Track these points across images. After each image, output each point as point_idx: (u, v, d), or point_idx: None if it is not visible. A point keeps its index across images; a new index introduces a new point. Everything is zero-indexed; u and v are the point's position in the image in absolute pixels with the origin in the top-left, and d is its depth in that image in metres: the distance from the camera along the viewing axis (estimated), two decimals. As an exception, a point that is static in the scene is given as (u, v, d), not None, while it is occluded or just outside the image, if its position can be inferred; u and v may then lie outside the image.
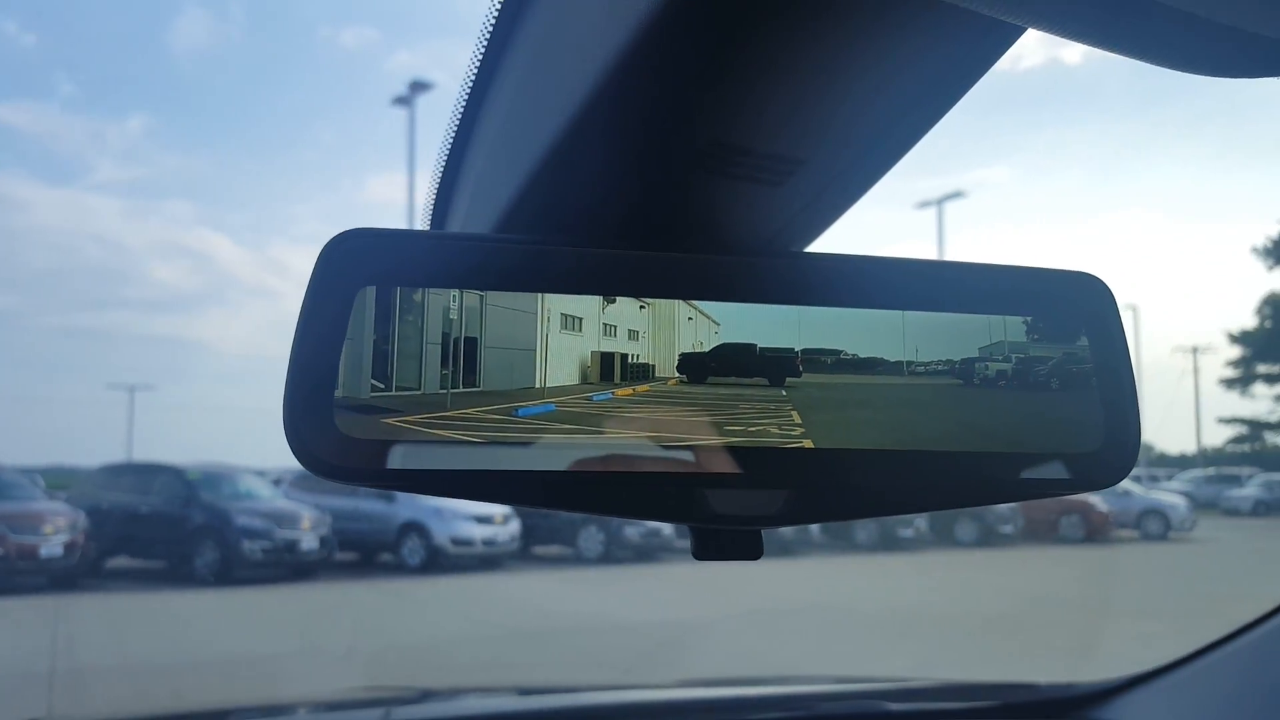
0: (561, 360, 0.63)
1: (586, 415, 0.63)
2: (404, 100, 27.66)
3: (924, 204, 33.56)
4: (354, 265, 0.61)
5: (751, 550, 0.68)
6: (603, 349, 0.64)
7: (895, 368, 0.67)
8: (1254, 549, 18.84)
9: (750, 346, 0.66)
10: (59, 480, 17.82)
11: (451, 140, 0.82)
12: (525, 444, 0.61)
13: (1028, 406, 0.69)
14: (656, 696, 1.85)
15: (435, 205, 0.90)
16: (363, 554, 15.26)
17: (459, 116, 0.80)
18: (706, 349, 0.66)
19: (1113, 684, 1.67)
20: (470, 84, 0.77)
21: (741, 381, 0.66)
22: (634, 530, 15.92)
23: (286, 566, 13.44)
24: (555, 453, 0.62)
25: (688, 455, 0.64)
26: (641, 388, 0.65)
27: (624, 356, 0.65)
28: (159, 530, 13.68)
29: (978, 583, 14.09)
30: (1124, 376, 0.71)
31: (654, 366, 0.65)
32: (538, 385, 0.63)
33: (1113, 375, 0.71)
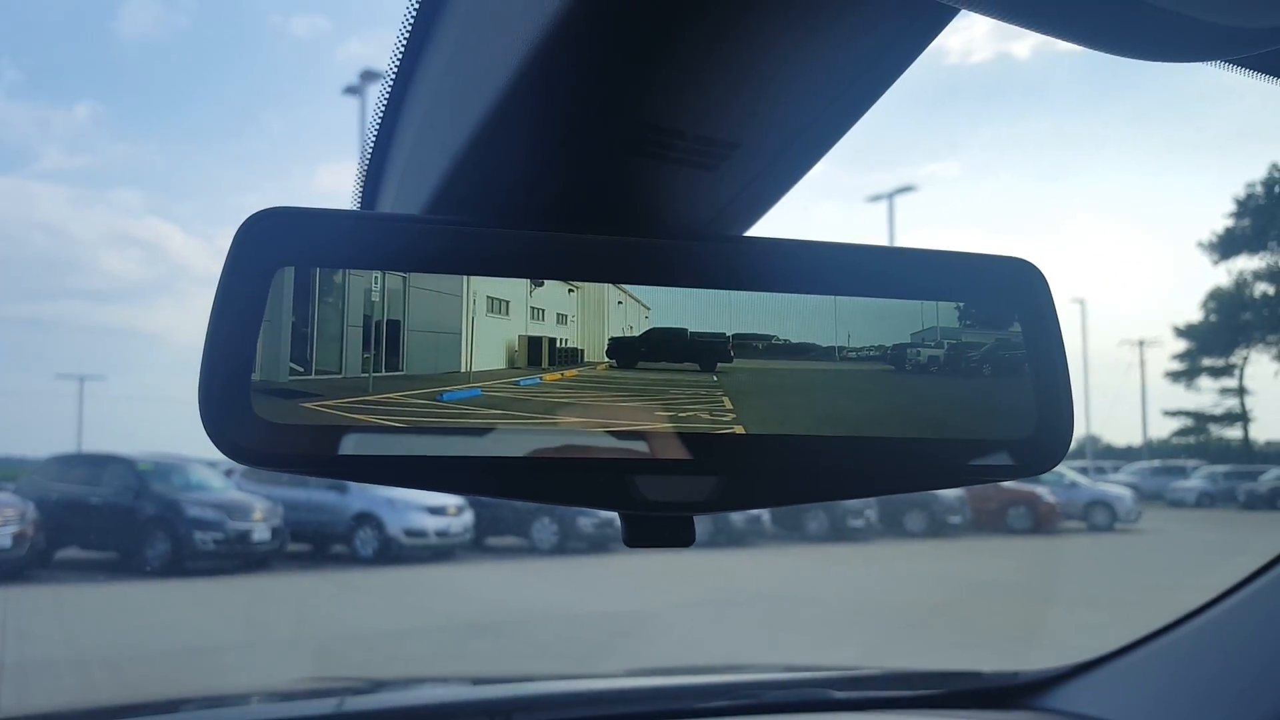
0: (488, 344, 0.62)
1: (513, 400, 0.62)
2: (355, 90, 27.30)
3: (875, 197, 33.77)
4: (271, 245, 0.59)
5: (682, 538, 0.67)
6: (530, 333, 0.63)
7: (827, 353, 0.67)
8: (1198, 540, 19.32)
9: (681, 331, 0.65)
10: (7, 471, 17.39)
11: (380, 120, 0.80)
12: (450, 429, 0.60)
13: (960, 393, 0.69)
14: (607, 685, 1.88)
15: (365, 186, 0.88)
16: (315, 545, 15.11)
17: (386, 95, 0.78)
18: (637, 334, 0.64)
19: (1056, 672, 1.70)
20: (398, 62, 0.75)
21: (672, 367, 0.65)
22: (587, 521, 15.93)
23: (238, 558, 13.29)
24: (481, 438, 0.60)
25: (617, 441, 0.63)
26: (570, 372, 0.63)
27: (552, 341, 0.63)
28: (109, 521, 13.46)
29: (925, 572, 14.30)
30: (1057, 363, 0.71)
31: (583, 351, 0.64)
32: (463, 369, 0.61)
33: (1046, 361, 0.70)
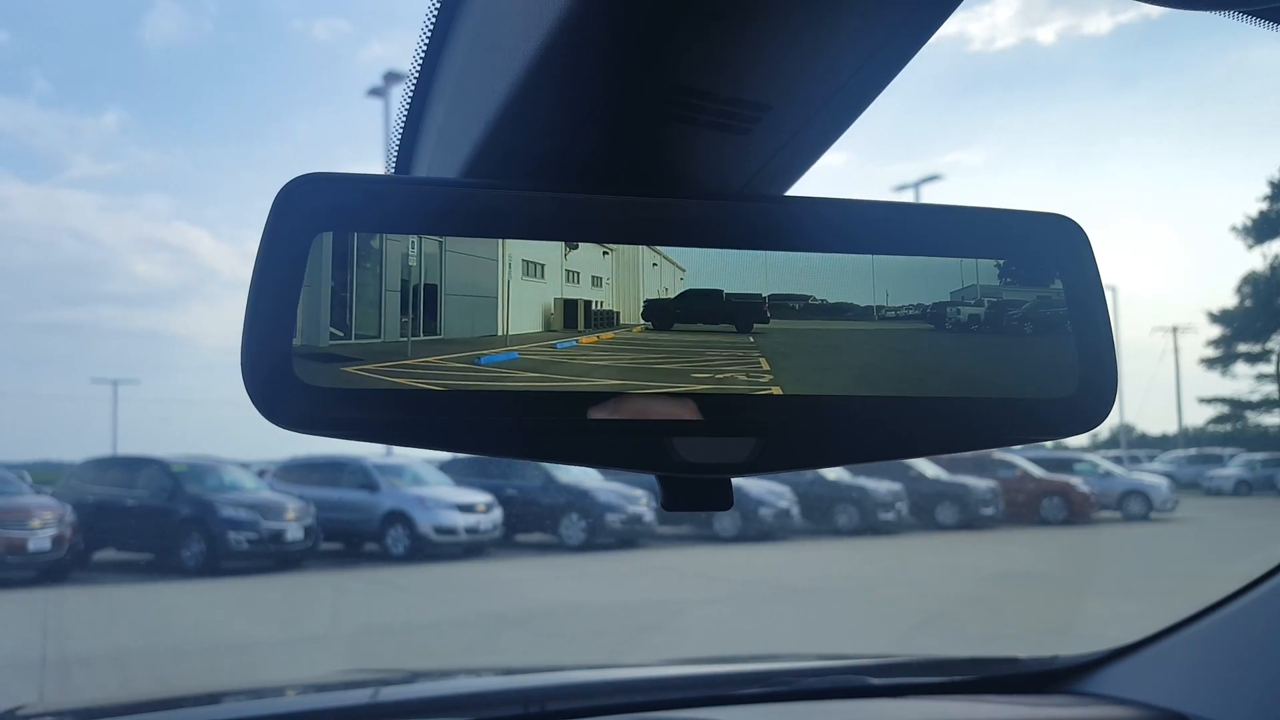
0: (524, 307, 0.62)
1: (550, 363, 0.62)
2: (379, 92, 27.45)
3: (901, 187, 33.59)
4: (309, 211, 0.59)
5: (721, 500, 0.67)
6: (566, 296, 0.63)
7: (865, 313, 0.66)
8: (1236, 528, 19.03)
9: (716, 292, 0.64)
10: (45, 475, 17.70)
11: (414, 85, 0.80)
12: (488, 392, 0.60)
13: (1001, 351, 0.68)
14: (639, 674, 1.88)
15: (399, 152, 0.87)
16: (347, 543, 15.26)
17: (420, 62, 0.78)
18: (672, 295, 0.64)
19: (1093, 657, 1.69)
20: (430, 28, 0.75)
21: (708, 328, 0.64)
22: (615, 517, 15.97)
23: (272, 557, 13.45)
24: (519, 401, 0.60)
25: (654, 403, 0.62)
26: (606, 335, 0.63)
27: (588, 303, 0.63)
28: (145, 523, 13.67)
29: (957, 565, 14.20)
30: (1099, 320, 0.69)
31: (618, 313, 0.63)
32: (500, 333, 0.61)
33: (1088, 319, 0.69)
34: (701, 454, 0.64)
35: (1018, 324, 0.68)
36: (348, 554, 15.01)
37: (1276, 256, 40.72)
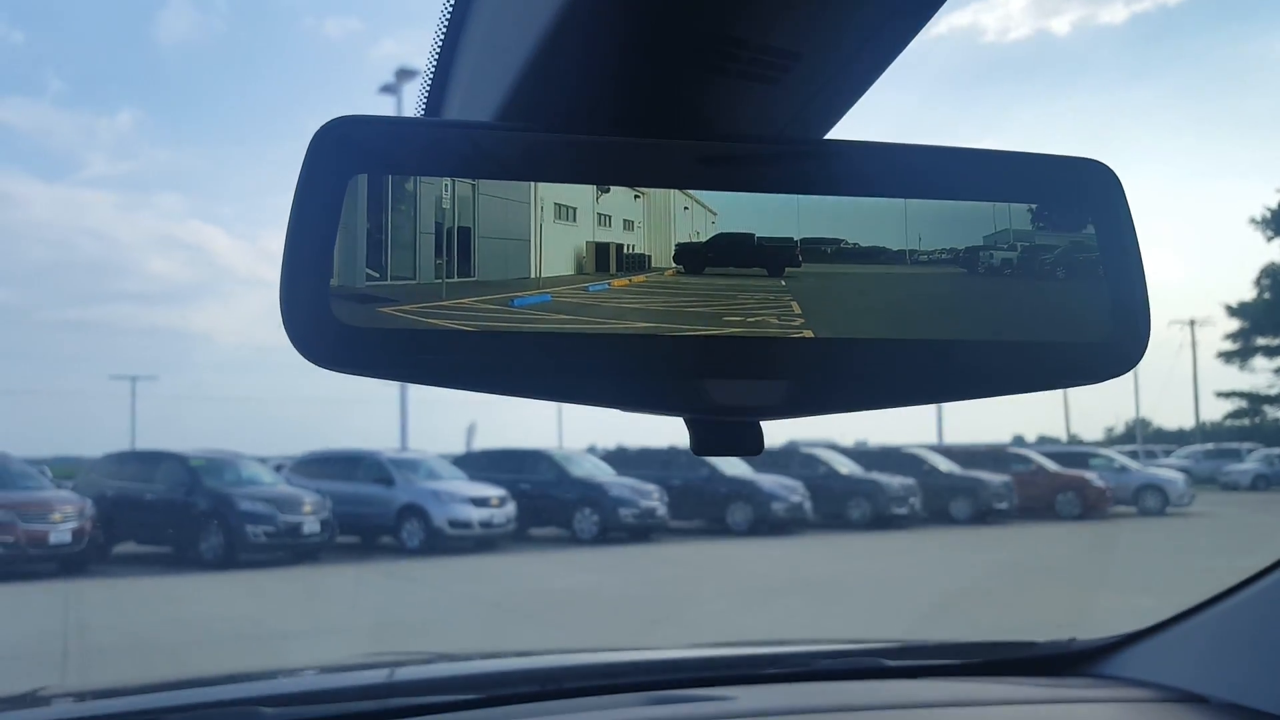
0: (556, 251, 0.62)
1: (583, 306, 0.62)
2: (391, 88, 27.42)
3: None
4: (345, 153, 0.59)
5: (753, 444, 0.66)
6: (598, 239, 0.63)
7: (898, 256, 0.66)
8: (1253, 523, 18.87)
9: (748, 236, 0.64)
10: (66, 469, 17.82)
11: (445, 30, 0.80)
12: (522, 334, 0.60)
13: (1034, 295, 0.67)
14: (656, 655, 1.88)
15: (429, 98, 0.86)
16: (363, 537, 15.34)
17: (450, 6, 0.78)
18: (703, 239, 0.64)
19: (1110, 640, 1.69)
20: None
21: (740, 271, 0.64)
22: (628, 511, 15.98)
23: (289, 550, 13.54)
24: (552, 343, 0.61)
25: (686, 347, 0.62)
26: (638, 278, 0.63)
27: (619, 247, 0.63)
28: (164, 516, 13.78)
29: (971, 560, 14.13)
30: (1132, 265, 0.69)
31: (650, 257, 0.63)
32: (533, 276, 0.61)
33: (1121, 264, 0.69)
34: (733, 397, 0.64)
35: (1050, 268, 0.68)
36: (364, 547, 15.09)
37: (1295, 249, 40.29)
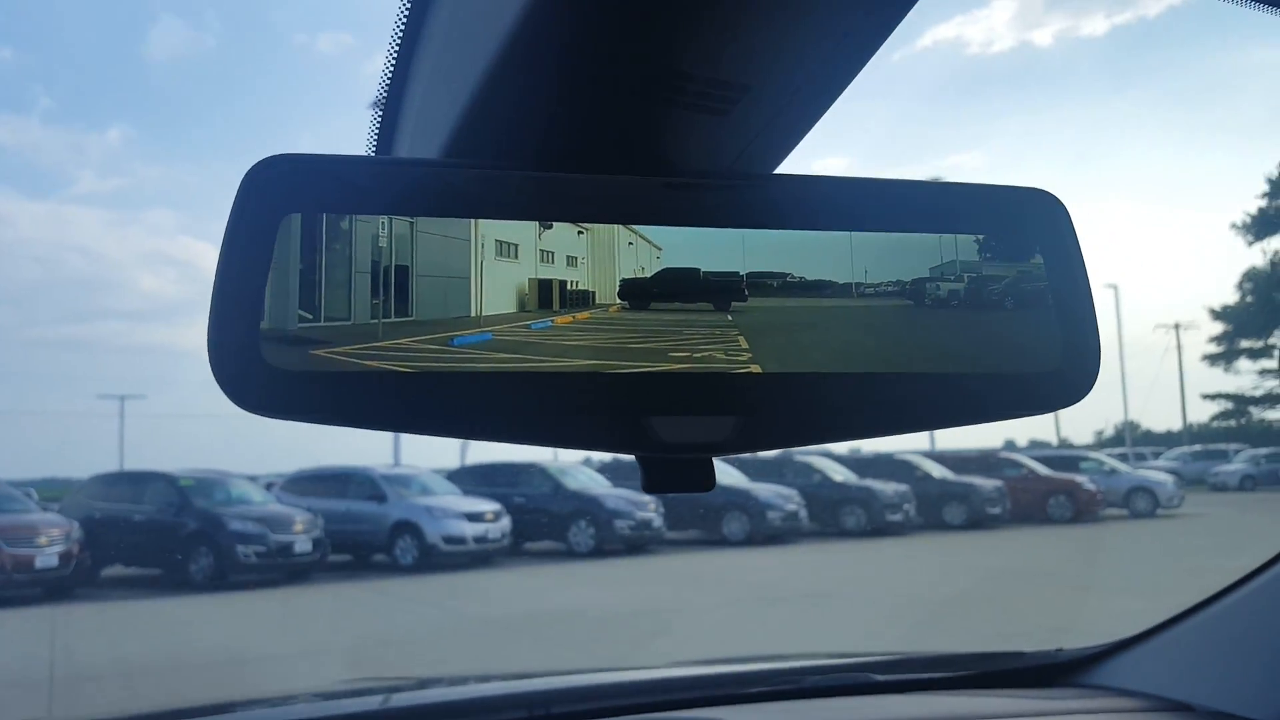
0: (498, 288, 0.61)
1: (526, 344, 0.61)
2: (381, 104, 27.44)
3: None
4: (277, 192, 0.58)
5: (702, 480, 0.66)
6: (541, 276, 0.62)
7: (844, 290, 0.65)
8: (1242, 523, 18.95)
9: (694, 271, 0.64)
10: (52, 492, 17.72)
11: (393, 65, 0.79)
12: (462, 374, 0.59)
13: (982, 327, 0.67)
14: (645, 676, 1.87)
15: (380, 134, 0.86)
16: (356, 555, 15.25)
17: (398, 43, 0.77)
18: (649, 274, 0.63)
19: (1099, 649, 1.69)
20: (407, 9, 0.74)
21: (686, 307, 0.63)
22: (624, 523, 15.95)
23: (281, 570, 13.44)
24: (494, 383, 0.60)
25: (632, 384, 0.61)
26: (582, 315, 0.62)
27: (563, 283, 0.62)
28: (153, 538, 13.67)
29: (964, 565, 14.16)
30: (1081, 294, 0.69)
31: (594, 293, 0.63)
32: (473, 314, 0.60)
33: (1070, 293, 0.68)
34: (681, 434, 0.63)
35: (998, 299, 0.68)
36: (356, 565, 15.00)
37: (1276, 252, 40.72)
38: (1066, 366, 0.68)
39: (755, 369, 0.64)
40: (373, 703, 1.74)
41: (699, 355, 0.63)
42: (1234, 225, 40.72)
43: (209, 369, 0.58)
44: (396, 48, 0.78)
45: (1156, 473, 24.19)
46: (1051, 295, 0.68)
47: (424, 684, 1.91)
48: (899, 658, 1.87)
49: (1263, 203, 40.17)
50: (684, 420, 0.63)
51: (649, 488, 0.66)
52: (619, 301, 0.63)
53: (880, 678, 1.72)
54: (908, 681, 1.74)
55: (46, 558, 12.07)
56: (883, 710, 1.62)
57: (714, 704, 1.64)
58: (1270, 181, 39.99)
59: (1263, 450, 32.10)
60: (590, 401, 0.61)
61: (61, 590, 12.20)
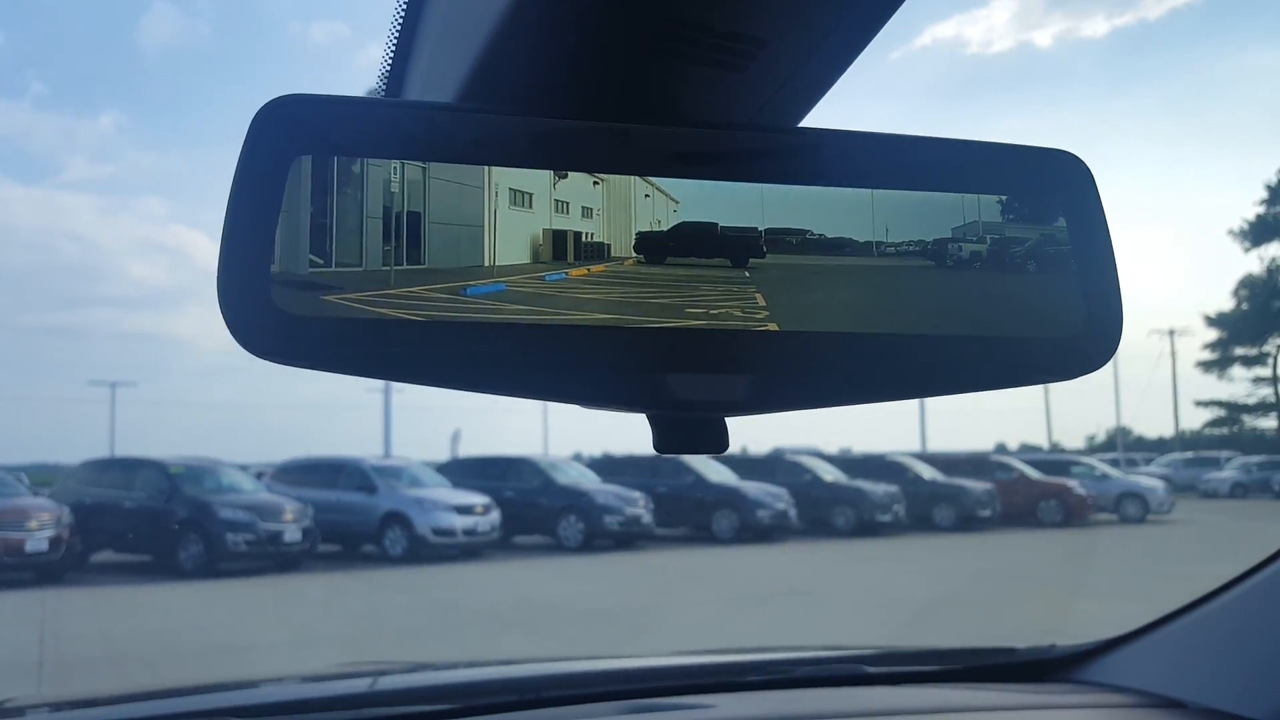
0: (511, 238, 0.59)
1: (539, 296, 0.59)
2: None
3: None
4: (288, 133, 0.57)
5: (716, 441, 0.64)
6: (555, 227, 0.60)
7: (864, 248, 0.64)
8: (1232, 530, 19.00)
9: (711, 225, 0.62)
10: (43, 477, 17.67)
11: (404, 8, 0.77)
12: (474, 325, 0.58)
13: (1004, 289, 0.66)
14: (636, 664, 1.87)
15: (389, 79, 0.84)
16: (345, 545, 15.24)
17: None
18: (665, 228, 0.62)
19: (1091, 645, 1.69)
20: None
21: (702, 262, 0.62)
22: (613, 519, 15.95)
23: (270, 558, 13.43)
24: (506, 334, 0.58)
25: (646, 340, 0.60)
26: (596, 268, 0.61)
27: (578, 235, 0.60)
28: (143, 524, 13.65)
29: (954, 567, 14.18)
30: (1105, 259, 0.67)
31: (609, 246, 0.61)
32: (486, 264, 0.59)
33: (1093, 257, 0.67)
34: (695, 392, 0.62)
35: (1020, 261, 0.66)
36: (345, 556, 14.99)
37: (1273, 260, 40.84)
38: (1087, 333, 0.67)
39: (772, 327, 0.62)
40: (360, 685, 1.74)
41: (715, 312, 0.62)
42: (1231, 231, 40.84)
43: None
44: None
45: (1147, 479, 24.26)
46: (1074, 259, 0.67)
47: (412, 669, 1.91)
48: (890, 651, 1.87)
49: (1261, 209, 40.28)
50: (699, 378, 0.62)
51: (661, 446, 0.64)
52: (634, 255, 0.61)
53: (871, 669, 1.72)
54: (899, 674, 1.74)
55: (37, 542, 12.05)
56: (873, 701, 1.62)
57: (705, 692, 1.64)
58: (1269, 188, 40.09)
59: (1254, 458, 32.22)
60: (603, 357, 0.60)
61: (51, 575, 12.18)
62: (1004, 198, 0.67)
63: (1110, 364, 0.68)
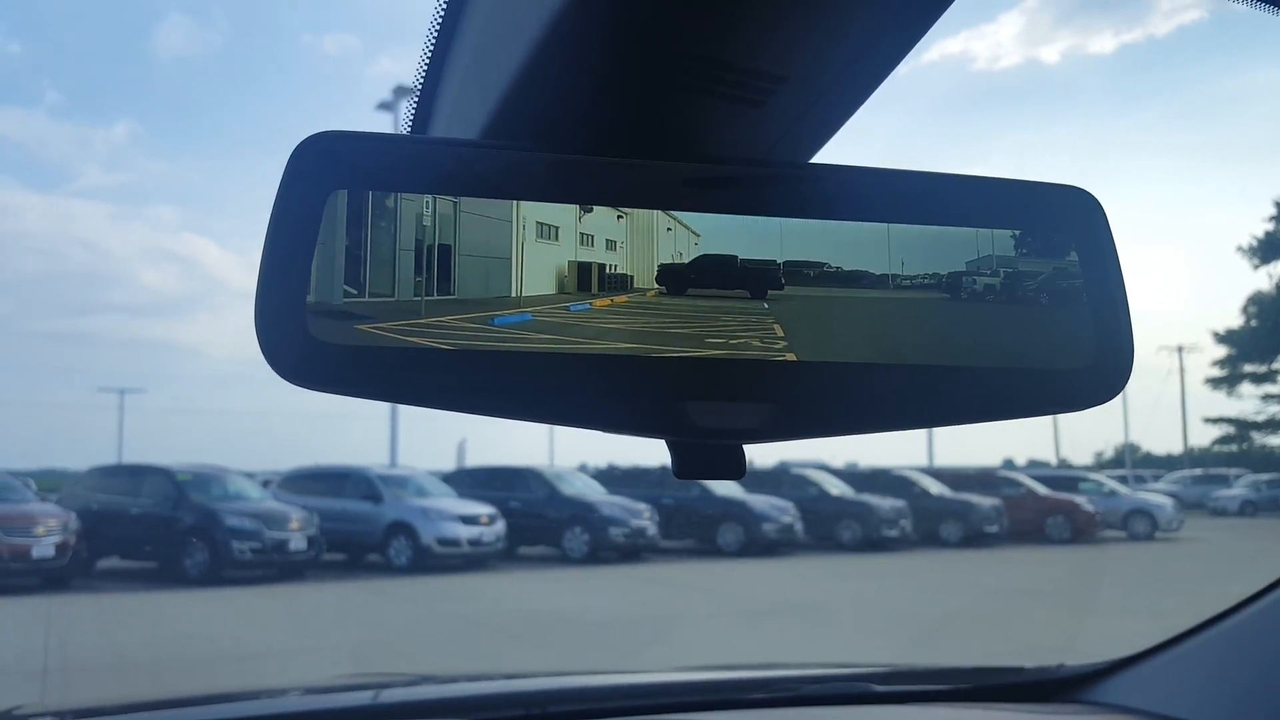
0: (538, 270, 0.62)
1: (564, 325, 0.61)
2: (388, 105, 27.47)
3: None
4: (325, 168, 0.59)
5: (734, 467, 0.66)
6: (580, 259, 0.63)
7: (880, 281, 0.66)
8: (1241, 548, 18.91)
9: (731, 258, 0.64)
10: (50, 483, 17.69)
11: (433, 47, 0.80)
12: (502, 353, 0.60)
13: (1017, 322, 0.67)
14: (642, 680, 1.87)
15: (416, 114, 0.87)
16: (350, 554, 15.23)
17: (438, 24, 0.78)
18: (686, 260, 0.64)
19: (1099, 666, 1.68)
20: None
21: (722, 293, 0.64)
22: (618, 530, 15.92)
23: (275, 567, 13.42)
24: (533, 363, 0.60)
25: (667, 368, 0.62)
26: (620, 299, 0.63)
27: (601, 267, 0.63)
28: (149, 531, 13.67)
29: (960, 583, 14.11)
30: (1116, 292, 0.69)
31: (632, 277, 0.63)
32: (514, 294, 0.61)
33: (1104, 291, 0.69)
34: (715, 419, 0.63)
35: (1033, 295, 0.68)
36: (350, 565, 14.98)
37: (1283, 277, 40.68)
38: (1099, 364, 0.68)
39: (790, 357, 0.64)
40: (365, 698, 1.74)
41: (735, 342, 0.63)
42: (1240, 248, 40.73)
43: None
44: (437, 29, 0.78)
45: (1156, 496, 24.12)
46: (1085, 293, 0.69)
47: (416, 681, 1.90)
48: (896, 669, 1.86)
49: (1270, 226, 40.18)
50: (718, 406, 0.63)
51: (680, 472, 0.66)
52: (656, 286, 0.63)
53: (878, 688, 1.72)
54: (906, 693, 1.73)
55: (43, 548, 12.07)
56: None
57: (711, 709, 1.63)
58: (1278, 205, 40.00)
59: (1264, 476, 32.06)
60: (626, 385, 0.62)
61: (57, 580, 12.20)
62: (1017, 232, 0.69)
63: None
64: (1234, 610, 1.51)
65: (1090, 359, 0.68)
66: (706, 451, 0.66)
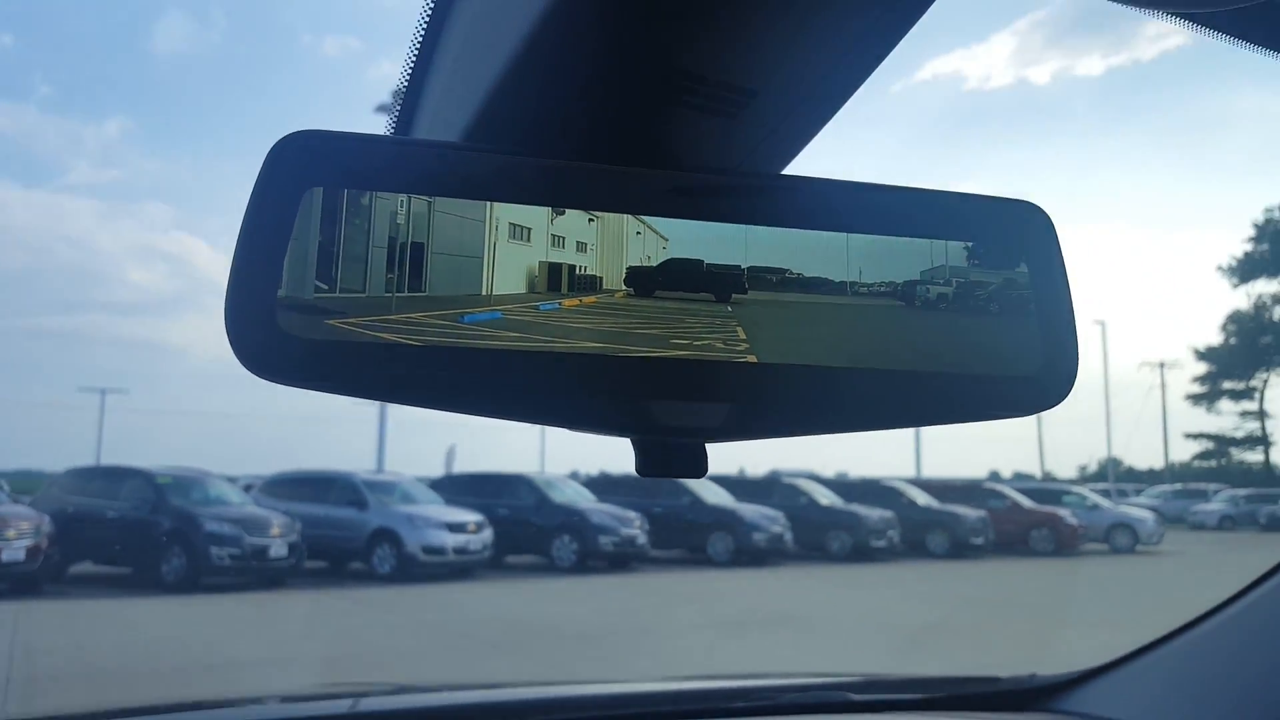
0: (509, 269, 0.63)
1: (533, 324, 0.63)
2: (386, 108, 27.46)
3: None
4: (301, 166, 0.60)
5: (694, 466, 0.68)
6: (551, 260, 0.64)
7: (839, 288, 0.68)
8: (1220, 561, 19.04)
9: (698, 262, 0.66)
10: (25, 484, 17.50)
11: (417, 50, 0.82)
12: (470, 350, 0.61)
13: (968, 330, 0.70)
14: (622, 689, 1.85)
15: (399, 115, 0.89)
16: (333, 562, 15.09)
17: (423, 28, 0.79)
18: (654, 264, 0.66)
19: (1073, 675, 1.69)
20: (432, 2, 0.77)
21: (688, 296, 0.66)
22: (608, 539, 15.87)
23: (255, 574, 13.24)
24: (500, 360, 0.62)
25: (633, 368, 0.64)
26: (589, 299, 0.65)
27: (572, 268, 0.65)
28: (126, 535, 13.41)
29: (946, 594, 14.16)
30: (1063, 303, 0.72)
31: (601, 279, 0.65)
32: (484, 293, 0.62)
33: (1051, 302, 0.71)
34: (677, 418, 0.66)
35: (984, 304, 0.71)
36: (333, 573, 14.83)
37: (1260, 296, 41.25)
38: (1046, 372, 0.71)
39: (752, 359, 0.66)
40: (341, 706, 1.72)
41: (699, 343, 0.66)
42: (1220, 268, 41.29)
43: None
44: (422, 34, 0.80)
45: (1137, 509, 24.33)
46: (1034, 303, 0.71)
47: (396, 690, 1.88)
48: (874, 679, 1.87)
49: (1248, 247, 40.72)
50: (681, 405, 0.66)
51: (643, 469, 0.68)
52: (625, 288, 0.65)
53: (856, 697, 1.73)
54: (883, 702, 1.74)
55: (13, 551, 11.82)
56: None
57: (691, 718, 1.62)
58: (1257, 226, 40.57)
59: (1242, 491, 32.44)
60: (592, 383, 0.63)
61: (27, 585, 11.94)
62: (970, 244, 0.71)
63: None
64: (1203, 619, 1.53)
65: (1038, 366, 0.71)
66: (669, 449, 0.68)
